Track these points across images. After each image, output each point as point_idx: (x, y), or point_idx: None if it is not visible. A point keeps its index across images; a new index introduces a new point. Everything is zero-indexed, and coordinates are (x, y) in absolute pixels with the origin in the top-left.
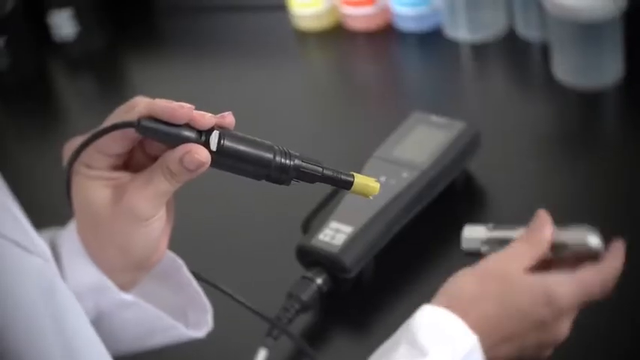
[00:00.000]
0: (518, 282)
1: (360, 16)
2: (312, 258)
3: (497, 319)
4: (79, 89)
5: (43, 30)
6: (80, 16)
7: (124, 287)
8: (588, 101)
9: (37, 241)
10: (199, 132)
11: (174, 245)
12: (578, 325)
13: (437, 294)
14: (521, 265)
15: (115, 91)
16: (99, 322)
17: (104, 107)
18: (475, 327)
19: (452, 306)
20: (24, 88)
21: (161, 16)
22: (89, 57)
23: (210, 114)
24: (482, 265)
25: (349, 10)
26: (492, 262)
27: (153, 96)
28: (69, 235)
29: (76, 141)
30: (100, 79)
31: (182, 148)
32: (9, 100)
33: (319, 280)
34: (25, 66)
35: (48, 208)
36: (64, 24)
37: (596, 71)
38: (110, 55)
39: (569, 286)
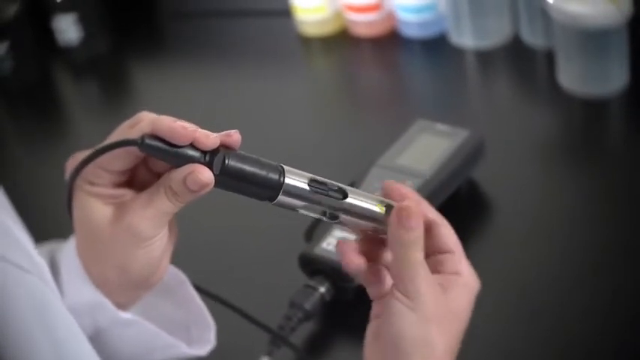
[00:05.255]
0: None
1: (364, 22)
2: (315, 267)
3: None
4: (83, 94)
5: (47, 34)
6: (84, 21)
7: (124, 305)
8: (593, 109)
9: (35, 258)
10: (203, 151)
11: (175, 253)
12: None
13: (410, 357)
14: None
15: (119, 95)
16: (96, 340)
17: (108, 112)
18: None
19: None
20: (28, 93)
21: (165, 22)
22: (93, 62)
23: (214, 134)
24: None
25: (354, 17)
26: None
27: (157, 102)
28: (69, 251)
29: (80, 156)
30: (104, 83)
31: (185, 169)
32: (12, 105)
33: (322, 289)
34: (29, 70)
35: (50, 214)
36: (68, 29)
37: (601, 79)
38: (114, 59)
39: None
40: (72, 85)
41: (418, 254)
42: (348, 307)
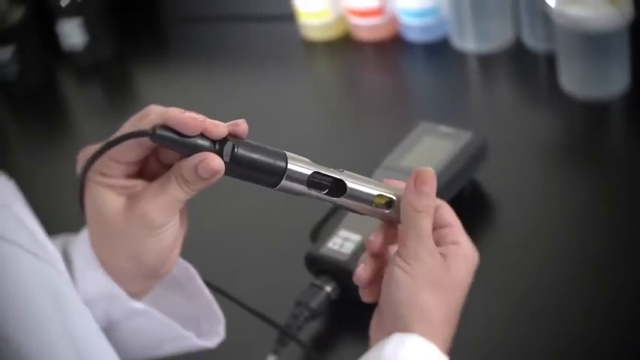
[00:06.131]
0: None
1: (367, 26)
2: (321, 266)
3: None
4: (88, 98)
5: (51, 39)
6: (89, 26)
7: (136, 295)
8: (594, 112)
9: (48, 247)
10: (213, 140)
11: (184, 252)
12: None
13: (406, 320)
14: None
15: (123, 99)
16: (109, 330)
17: (112, 116)
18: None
19: (427, 334)
20: (33, 97)
21: (169, 26)
22: (97, 66)
23: (223, 123)
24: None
25: (357, 21)
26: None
27: (162, 105)
28: (81, 242)
29: (90, 149)
30: (108, 87)
31: (197, 157)
32: (18, 108)
33: (328, 288)
34: (34, 74)
35: (57, 216)
36: (72, 33)
37: (602, 82)
38: (118, 64)
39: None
40: (76, 88)
41: (427, 221)
42: (353, 306)
